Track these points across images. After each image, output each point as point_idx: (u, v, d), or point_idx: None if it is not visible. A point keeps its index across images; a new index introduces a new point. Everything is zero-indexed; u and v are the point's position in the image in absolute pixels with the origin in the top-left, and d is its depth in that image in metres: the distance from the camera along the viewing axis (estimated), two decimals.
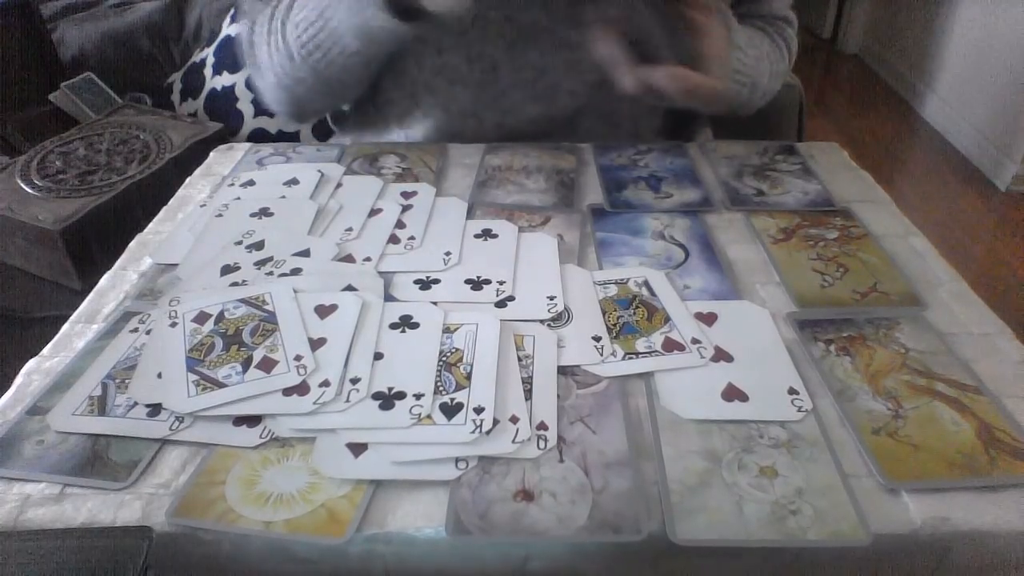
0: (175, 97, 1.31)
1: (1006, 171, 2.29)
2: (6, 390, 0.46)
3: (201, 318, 0.49)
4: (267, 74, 0.75)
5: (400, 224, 0.61)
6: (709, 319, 0.51)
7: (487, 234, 0.60)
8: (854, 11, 3.30)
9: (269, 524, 0.37)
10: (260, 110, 1.23)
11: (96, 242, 0.87)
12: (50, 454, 0.41)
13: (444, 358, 0.46)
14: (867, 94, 3.03)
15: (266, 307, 0.50)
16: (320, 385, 0.44)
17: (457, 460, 0.40)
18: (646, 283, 0.54)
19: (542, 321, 0.50)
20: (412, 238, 0.59)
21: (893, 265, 0.56)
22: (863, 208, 0.63)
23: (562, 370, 0.46)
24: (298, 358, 0.46)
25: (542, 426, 0.42)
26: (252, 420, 0.43)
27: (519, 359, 0.47)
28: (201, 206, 0.64)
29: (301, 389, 0.44)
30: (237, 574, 0.39)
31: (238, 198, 0.65)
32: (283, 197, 0.64)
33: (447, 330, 0.48)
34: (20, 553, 0.33)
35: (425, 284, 0.54)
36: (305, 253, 0.57)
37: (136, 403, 0.44)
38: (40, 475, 0.40)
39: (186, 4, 1.39)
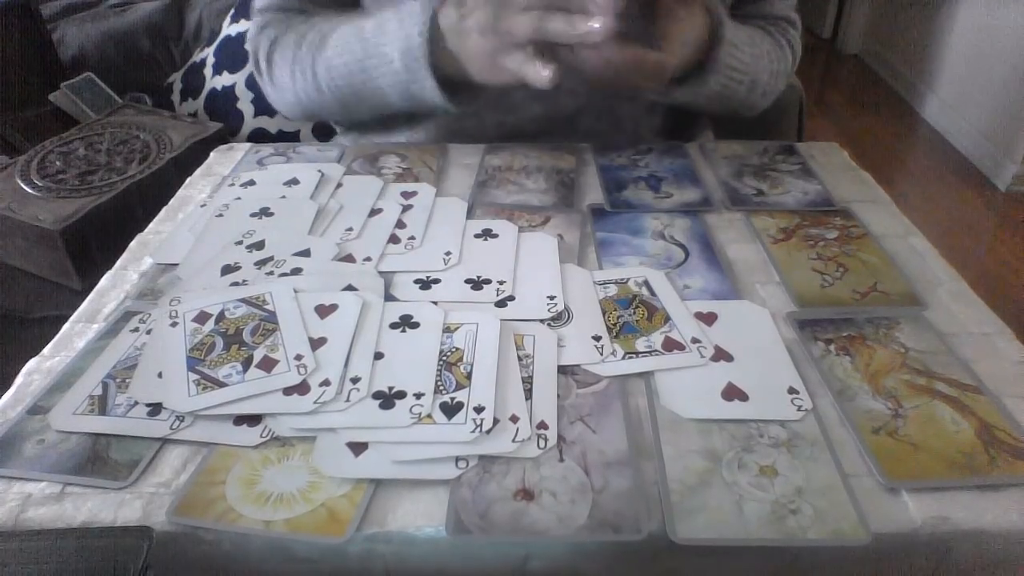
0: (175, 97, 1.31)
1: (1006, 171, 2.29)
2: (6, 390, 0.46)
3: (201, 318, 0.50)
4: (286, 93, 0.76)
5: (400, 224, 0.61)
6: (709, 319, 0.51)
7: (487, 234, 0.60)
8: (854, 11, 3.31)
9: (269, 523, 0.37)
10: (260, 110, 1.23)
11: (96, 242, 0.87)
12: (50, 453, 0.41)
13: (444, 358, 0.46)
14: (867, 94, 3.03)
15: (266, 307, 0.50)
16: (320, 384, 0.44)
17: (457, 459, 0.40)
18: (646, 283, 0.54)
19: (542, 321, 0.50)
20: (412, 238, 0.59)
21: (893, 265, 0.56)
22: (863, 208, 0.64)
23: (562, 369, 0.46)
24: (298, 357, 0.46)
25: (542, 425, 0.42)
26: (252, 419, 0.43)
27: (519, 359, 0.47)
28: (201, 206, 0.64)
29: (301, 388, 0.44)
30: (237, 574, 0.39)
31: (238, 198, 0.65)
32: (283, 197, 0.64)
33: (447, 330, 0.48)
34: (20, 553, 0.33)
35: (425, 284, 0.54)
36: (305, 253, 0.57)
37: (137, 402, 0.44)
38: (40, 474, 0.40)
39: (186, 4, 1.39)
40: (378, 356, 0.46)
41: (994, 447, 0.41)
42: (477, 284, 0.54)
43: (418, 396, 0.43)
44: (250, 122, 1.24)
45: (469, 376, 0.45)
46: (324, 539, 0.37)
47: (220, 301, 0.51)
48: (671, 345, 0.48)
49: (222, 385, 0.44)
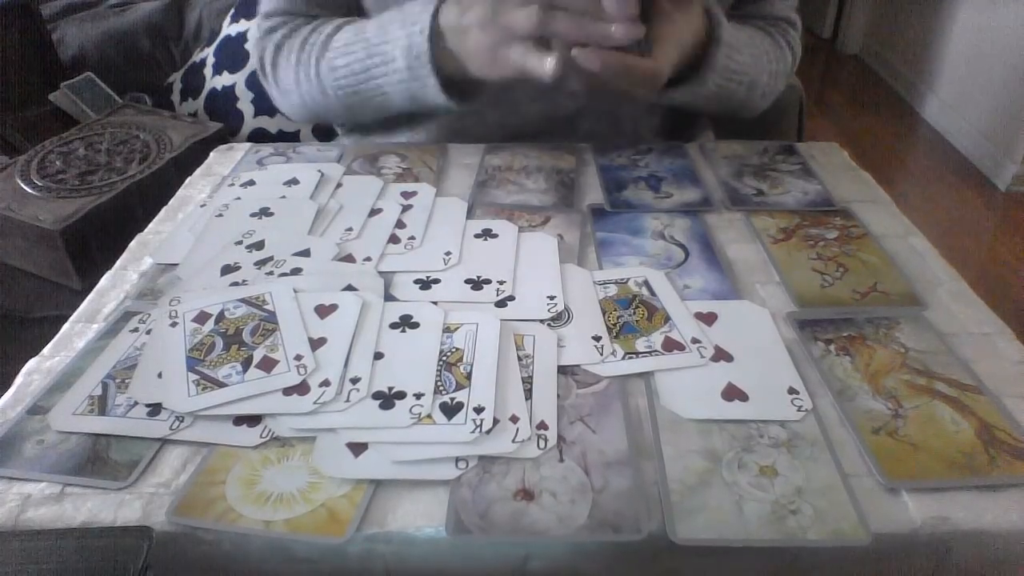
0: (175, 97, 1.32)
1: (1006, 171, 2.29)
2: (6, 390, 0.46)
3: (201, 318, 0.49)
4: (292, 96, 0.76)
5: (400, 224, 0.61)
6: (709, 319, 0.51)
7: (487, 234, 0.60)
8: (854, 11, 3.31)
9: (269, 524, 0.37)
10: (260, 110, 1.23)
11: (96, 242, 0.87)
12: (50, 454, 0.41)
13: (444, 358, 0.46)
14: (867, 94, 3.03)
15: (266, 307, 0.50)
16: (320, 385, 0.44)
17: (457, 460, 0.40)
18: (646, 283, 0.54)
19: (542, 321, 0.50)
20: (412, 238, 0.59)
21: (893, 265, 0.56)
22: (863, 208, 0.63)
23: (562, 370, 0.46)
24: (298, 358, 0.46)
25: (542, 425, 0.42)
26: (252, 420, 0.43)
27: (519, 359, 0.47)
28: (201, 206, 0.64)
29: (301, 389, 0.44)
30: (237, 574, 0.39)
31: (238, 198, 0.65)
32: (283, 197, 0.64)
33: (447, 330, 0.48)
34: (20, 553, 0.33)
35: (425, 284, 0.54)
36: (305, 253, 0.57)
37: (136, 403, 0.44)
38: (40, 475, 0.40)
39: (186, 4, 1.39)
40: (378, 356, 0.46)
41: (994, 447, 0.41)
42: (477, 284, 0.54)
43: (418, 396, 0.43)
44: (250, 122, 1.24)
45: (469, 376, 0.45)
46: (324, 539, 0.37)
47: (220, 301, 0.51)
48: (671, 345, 0.48)
49: (222, 385, 0.44)
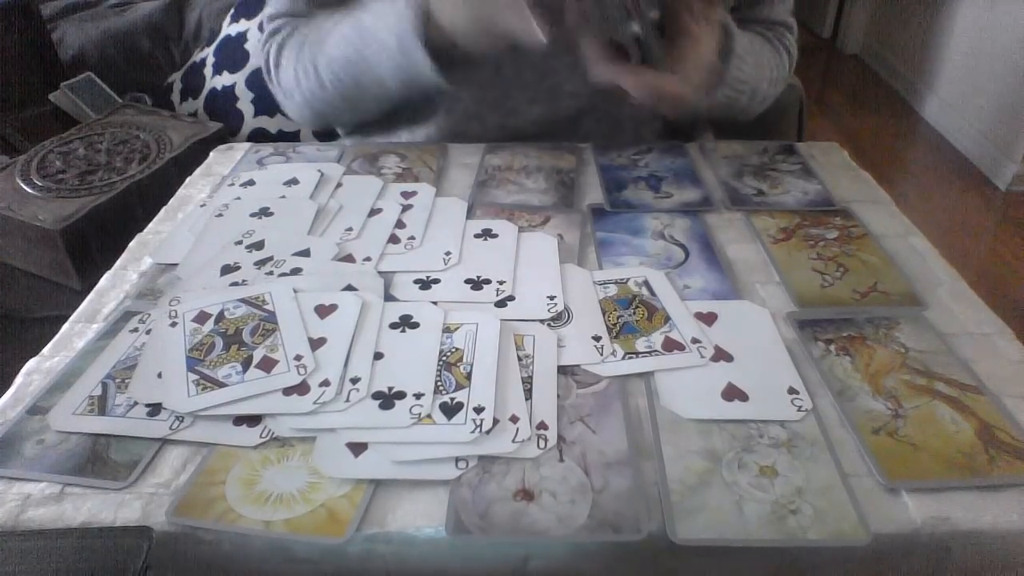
0: (175, 97, 1.31)
1: (1006, 171, 2.29)
2: (6, 390, 0.46)
3: (201, 318, 0.49)
4: (294, 95, 0.76)
5: (400, 224, 0.61)
6: (709, 319, 0.51)
7: (487, 234, 0.60)
8: (854, 11, 3.30)
9: (269, 524, 0.37)
10: (260, 110, 1.23)
11: (96, 242, 0.87)
12: (50, 454, 0.41)
13: (444, 358, 0.46)
14: (867, 94, 3.03)
15: (266, 307, 0.50)
16: (320, 385, 0.44)
17: (457, 460, 0.40)
18: (646, 283, 0.54)
19: (542, 321, 0.50)
20: (412, 238, 0.59)
21: (893, 265, 0.56)
22: (863, 208, 0.63)
23: (562, 370, 0.46)
24: (298, 358, 0.46)
25: (542, 426, 0.42)
26: (252, 420, 0.43)
27: (519, 359, 0.47)
28: (201, 206, 0.64)
29: (301, 389, 0.44)
30: (237, 574, 0.39)
31: (238, 198, 0.65)
32: (283, 197, 0.64)
33: (447, 330, 0.48)
34: (20, 553, 0.33)
35: (425, 284, 0.54)
36: (305, 253, 0.57)
37: (136, 403, 0.44)
38: (40, 475, 0.40)
39: (186, 4, 1.39)
40: (378, 356, 0.46)
41: (994, 447, 0.41)
42: (477, 284, 0.54)
43: (418, 396, 0.43)
44: (250, 122, 1.24)
45: (469, 376, 0.45)
46: (324, 539, 0.37)
47: (220, 301, 0.51)
48: (671, 345, 0.48)
49: (222, 385, 0.44)
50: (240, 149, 0.75)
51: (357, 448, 0.41)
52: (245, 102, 1.24)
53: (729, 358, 0.47)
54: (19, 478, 0.40)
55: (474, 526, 0.37)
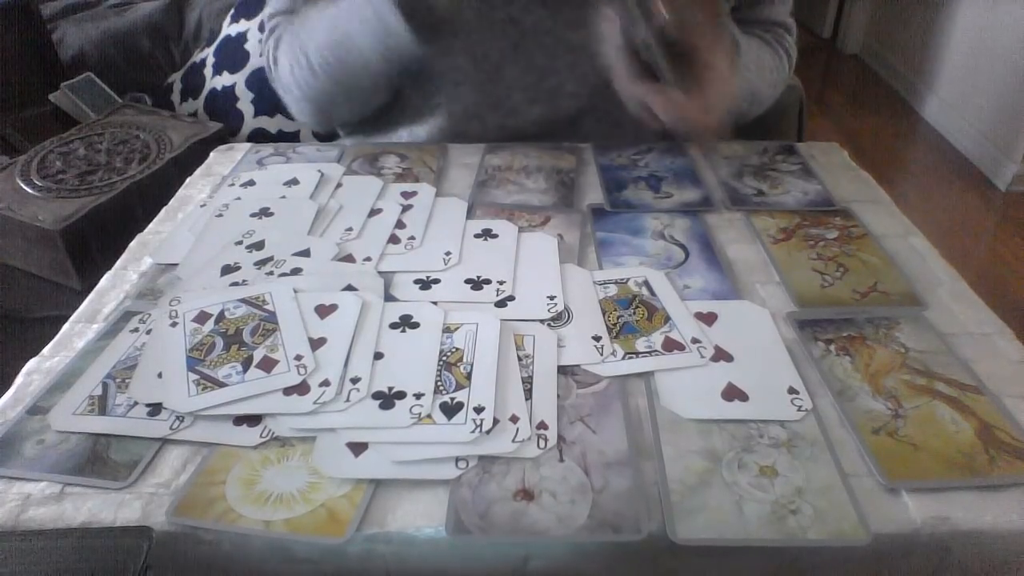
0: (175, 97, 1.31)
1: (1006, 171, 2.29)
2: (6, 390, 0.46)
3: (201, 318, 0.49)
4: (292, 89, 0.76)
5: (400, 224, 0.61)
6: (709, 319, 0.51)
7: (487, 234, 0.60)
8: (854, 11, 3.30)
9: (269, 524, 0.37)
10: (260, 110, 1.23)
11: (96, 242, 0.87)
12: (50, 454, 0.41)
13: (444, 358, 0.46)
14: (867, 94, 3.03)
15: (266, 307, 0.50)
16: (320, 385, 0.44)
17: (457, 460, 0.40)
18: (646, 283, 0.54)
19: (542, 321, 0.50)
20: (412, 238, 0.59)
21: (893, 265, 0.56)
22: (863, 208, 0.63)
23: (562, 370, 0.46)
24: (298, 358, 0.46)
25: (542, 425, 0.42)
26: (252, 420, 0.43)
27: (519, 359, 0.47)
28: (201, 206, 0.64)
29: (301, 389, 0.44)
30: (237, 574, 0.39)
31: (238, 198, 0.65)
32: (283, 197, 0.64)
33: (447, 330, 0.48)
34: (20, 553, 0.33)
35: (425, 284, 0.54)
36: (305, 253, 0.57)
37: (136, 403, 0.44)
38: (40, 475, 0.40)
39: (186, 4, 1.39)
40: (378, 356, 0.46)
41: (994, 447, 0.41)
42: (477, 284, 0.54)
43: (418, 396, 0.43)
44: (250, 122, 1.24)
45: (469, 376, 0.45)
46: (324, 539, 0.37)
47: (220, 301, 0.51)
48: (671, 345, 0.48)
49: (222, 385, 0.44)
50: (240, 149, 0.75)
51: (357, 448, 0.41)
52: (245, 102, 1.24)
53: (729, 358, 0.47)
54: (19, 478, 0.40)
55: (474, 526, 0.37)
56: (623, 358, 0.47)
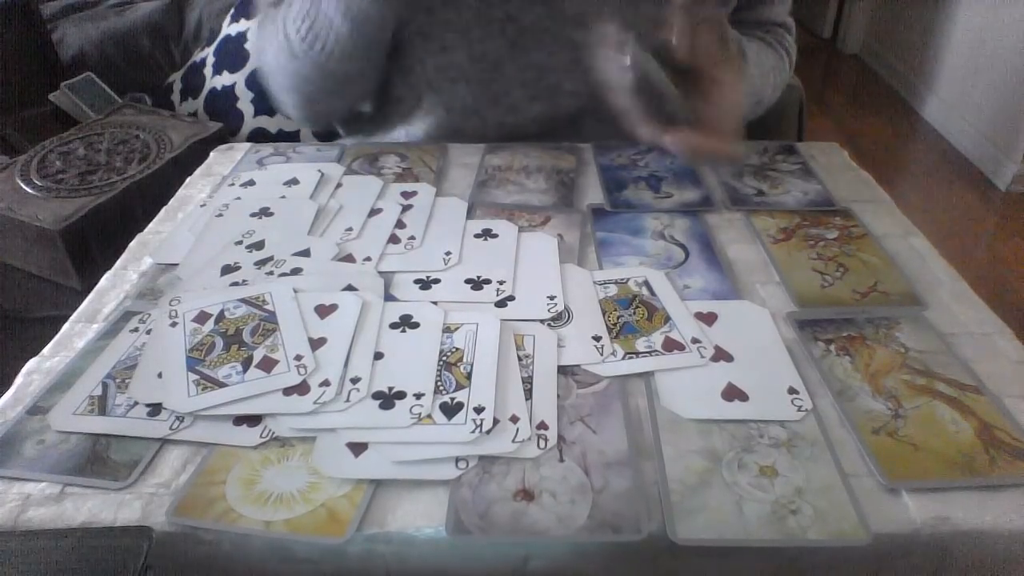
0: (175, 97, 1.31)
1: (1006, 171, 2.29)
2: (6, 390, 0.46)
3: (201, 318, 0.49)
4: (277, 76, 0.76)
5: (400, 224, 0.61)
6: (709, 319, 0.51)
7: (487, 234, 0.60)
8: (854, 11, 3.30)
9: (269, 524, 0.37)
10: (260, 110, 1.23)
11: (96, 242, 0.87)
12: (50, 454, 0.41)
13: (444, 358, 0.46)
14: (867, 94, 3.03)
15: (266, 307, 0.50)
16: (320, 385, 0.44)
17: (457, 460, 0.40)
18: (646, 283, 0.54)
19: (542, 321, 0.50)
20: (412, 238, 0.59)
21: (893, 265, 0.56)
22: (863, 208, 0.63)
23: (562, 370, 0.46)
24: (298, 358, 0.46)
25: (542, 426, 0.42)
26: (252, 420, 0.43)
27: (519, 359, 0.47)
28: (201, 206, 0.64)
29: (301, 389, 0.44)
30: (237, 574, 0.39)
31: (238, 198, 0.65)
32: (283, 197, 0.64)
33: (447, 330, 0.48)
34: (20, 553, 0.33)
35: (425, 284, 0.54)
36: (305, 253, 0.57)
37: (136, 403, 0.44)
38: (40, 475, 0.40)
39: (186, 4, 1.39)
40: (378, 356, 0.46)
41: (994, 447, 0.41)
42: (477, 284, 0.54)
43: (418, 396, 0.43)
44: (250, 122, 1.24)
45: (469, 376, 0.45)
46: (324, 539, 0.37)
47: (220, 301, 0.51)
48: (671, 345, 0.48)
49: (222, 385, 0.44)
50: (240, 149, 0.75)
51: (357, 448, 0.41)
52: (245, 102, 1.24)
53: (729, 358, 0.47)
54: (19, 478, 0.40)
55: (474, 526, 0.37)
56: (623, 358, 0.47)
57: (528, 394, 0.44)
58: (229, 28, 1.29)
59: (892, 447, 0.41)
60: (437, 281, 0.54)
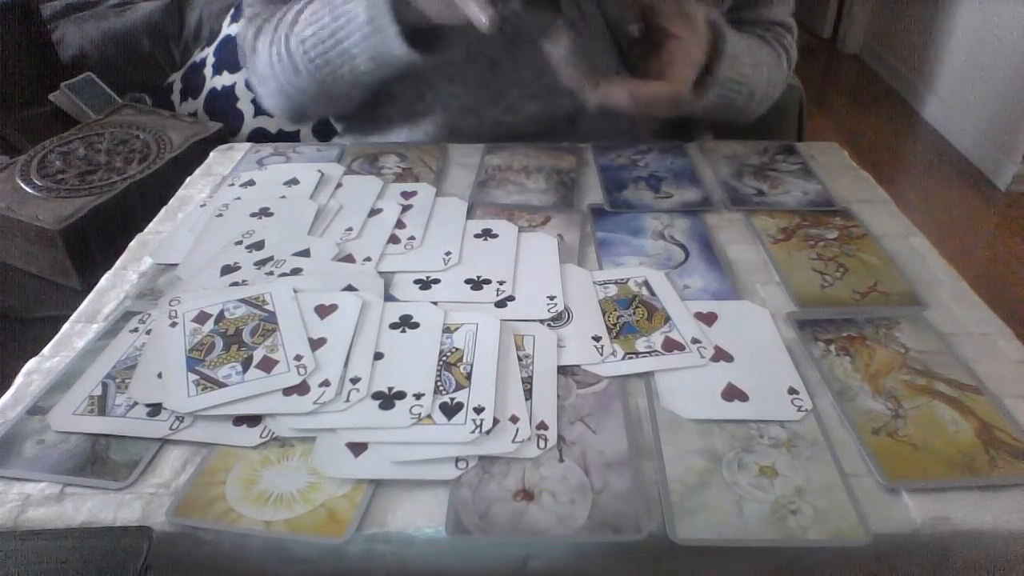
0: (175, 97, 1.31)
1: (1006, 171, 2.29)
2: (6, 390, 0.46)
3: (201, 318, 0.49)
4: (268, 81, 0.75)
5: (400, 224, 0.61)
6: (709, 319, 0.51)
7: (487, 234, 0.60)
8: (854, 11, 3.30)
9: (269, 524, 0.37)
10: (260, 110, 1.23)
11: (96, 242, 0.87)
12: (50, 454, 0.41)
13: (444, 358, 0.46)
14: (867, 94, 3.03)
15: (266, 307, 0.50)
16: (320, 385, 0.44)
17: (457, 460, 0.40)
18: (646, 283, 0.54)
19: (542, 321, 0.50)
20: (412, 238, 0.59)
21: (893, 265, 0.56)
22: (863, 208, 0.63)
23: (562, 370, 0.46)
24: (298, 358, 0.46)
25: (542, 426, 0.42)
26: (252, 420, 0.43)
27: (519, 359, 0.47)
28: (201, 206, 0.64)
29: (301, 389, 0.44)
30: (237, 574, 0.39)
31: (238, 198, 0.65)
32: (283, 197, 0.64)
33: (447, 330, 0.48)
34: (20, 553, 0.33)
35: (425, 284, 0.54)
36: (305, 253, 0.57)
37: (136, 403, 0.44)
38: (40, 475, 0.40)
39: (186, 4, 1.39)
40: (378, 356, 0.46)
41: (994, 447, 0.41)
42: (477, 284, 0.54)
43: (418, 396, 0.43)
44: (250, 122, 1.24)
45: (469, 376, 0.45)
46: (324, 539, 0.37)
47: (220, 301, 0.51)
48: (671, 345, 0.48)
49: (222, 385, 0.44)
50: (240, 149, 0.75)
51: (357, 448, 0.41)
52: (245, 102, 1.24)
53: (729, 358, 0.47)
54: (19, 478, 0.40)
55: (474, 526, 0.37)
56: (623, 358, 0.47)
57: (528, 394, 0.44)
58: (229, 28, 1.29)
59: (892, 447, 0.41)
60: (437, 281, 0.54)
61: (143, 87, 1.32)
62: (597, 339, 0.49)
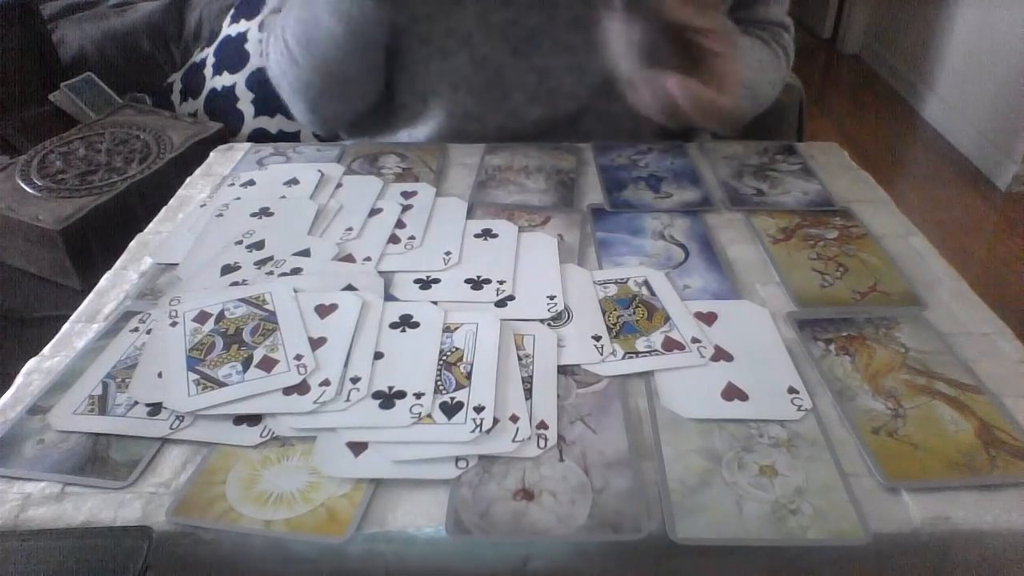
0: (175, 97, 1.31)
1: (1006, 171, 2.29)
2: (6, 390, 0.46)
3: (201, 318, 0.49)
4: (282, 84, 0.76)
5: (400, 224, 0.61)
6: (709, 319, 0.51)
7: (487, 234, 0.60)
8: (854, 11, 3.30)
9: (269, 523, 0.37)
10: (260, 110, 1.23)
11: (96, 242, 0.87)
12: (50, 453, 0.41)
13: (444, 357, 0.46)
14: (867, 94, 3.03)
15: (266, 307, 0.50)
16: (320, 384, 0.44)
17: (457, 459, 0.40)
18: (646, 283, 0.54)
19: (542, 321, 0.50)
20: (412, 238, 0.59)
21: (893, 265, 0.56)
22: (863, 208, 0.63)
23: (562, 369, 0.46)
24: (298, 357, 0.46)
25: (542, 425, 0.42)
26: (252, 419, 0.43)
27: (519, 358, 0.47)
28: (201, 206, 0.64)
29: (301, 388, 0.44)
30: (237, 574, 0.39)
31: (238, 198, 0.65)
32: (283, 197, 0.64)
33: (447, 329, 0.48)
34: (20, 553, 0.33)
35: (425, 284, 0.54)
36: (305, 253, 0.57)
37: (136, 402, 0.44)
38: (40, 474, 0.40)
39: (186, 4, 1.39)
40: (378, 356, 0.46)
41: (994, 447, 0.41)
42: (477, 284, 0.54)
43: (418, 396, 0.43)
44: (250, 122, 1.24)
45: (469, 376, 0.45)
46: (324, 539, 0.37)
47: (220, 301, 0.51)
48: (671, 345, 0.48)
49: (222, 385, 0.44)
50: (240, 149, 0.75)
51: (357, 448, 0.41)
52: (245, 102, 1.24)
53: (729, 358, 0.47)
54: (19, 478, 0.40)
55: (474, 526, 0.37)
56: (623, 358, 0.47)
57: (528, 394, 0.44)
58: (229, 28, 1.29)
59: (892, 447, 0.41)
60: (437, 281, 0.54)
61: (143, 87, 1.32)
62: (597, 339, 0.49)
